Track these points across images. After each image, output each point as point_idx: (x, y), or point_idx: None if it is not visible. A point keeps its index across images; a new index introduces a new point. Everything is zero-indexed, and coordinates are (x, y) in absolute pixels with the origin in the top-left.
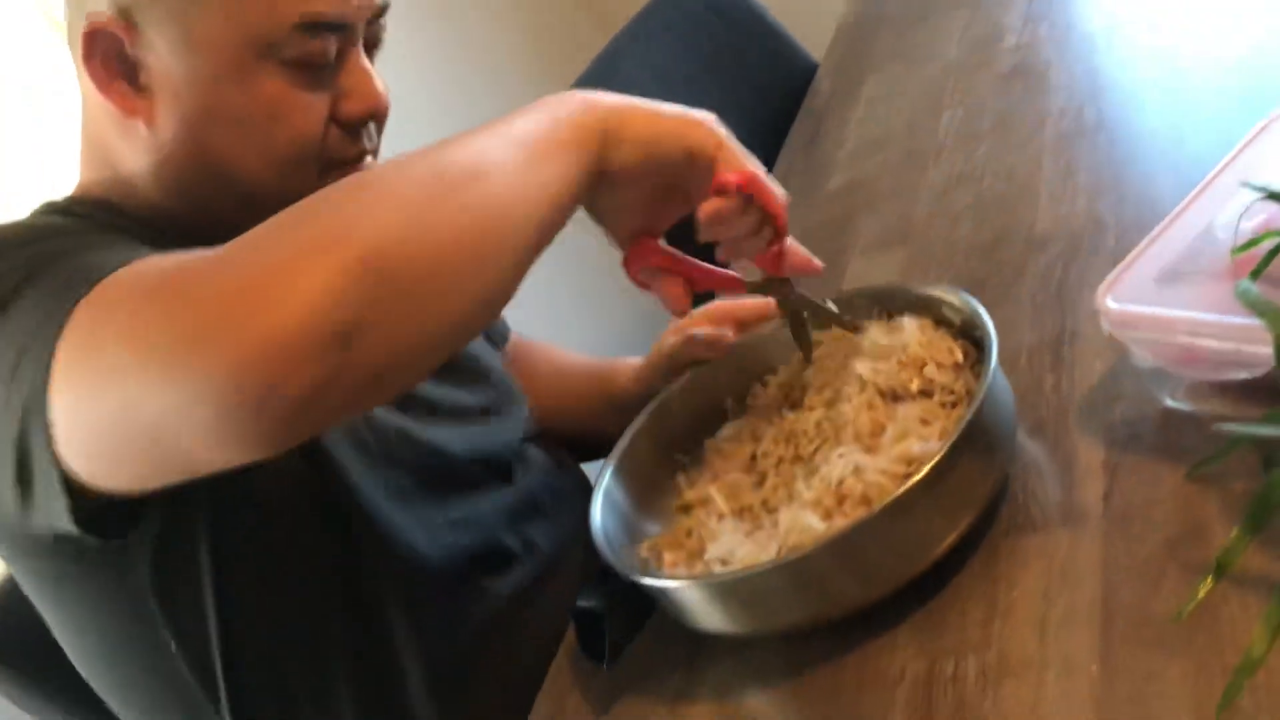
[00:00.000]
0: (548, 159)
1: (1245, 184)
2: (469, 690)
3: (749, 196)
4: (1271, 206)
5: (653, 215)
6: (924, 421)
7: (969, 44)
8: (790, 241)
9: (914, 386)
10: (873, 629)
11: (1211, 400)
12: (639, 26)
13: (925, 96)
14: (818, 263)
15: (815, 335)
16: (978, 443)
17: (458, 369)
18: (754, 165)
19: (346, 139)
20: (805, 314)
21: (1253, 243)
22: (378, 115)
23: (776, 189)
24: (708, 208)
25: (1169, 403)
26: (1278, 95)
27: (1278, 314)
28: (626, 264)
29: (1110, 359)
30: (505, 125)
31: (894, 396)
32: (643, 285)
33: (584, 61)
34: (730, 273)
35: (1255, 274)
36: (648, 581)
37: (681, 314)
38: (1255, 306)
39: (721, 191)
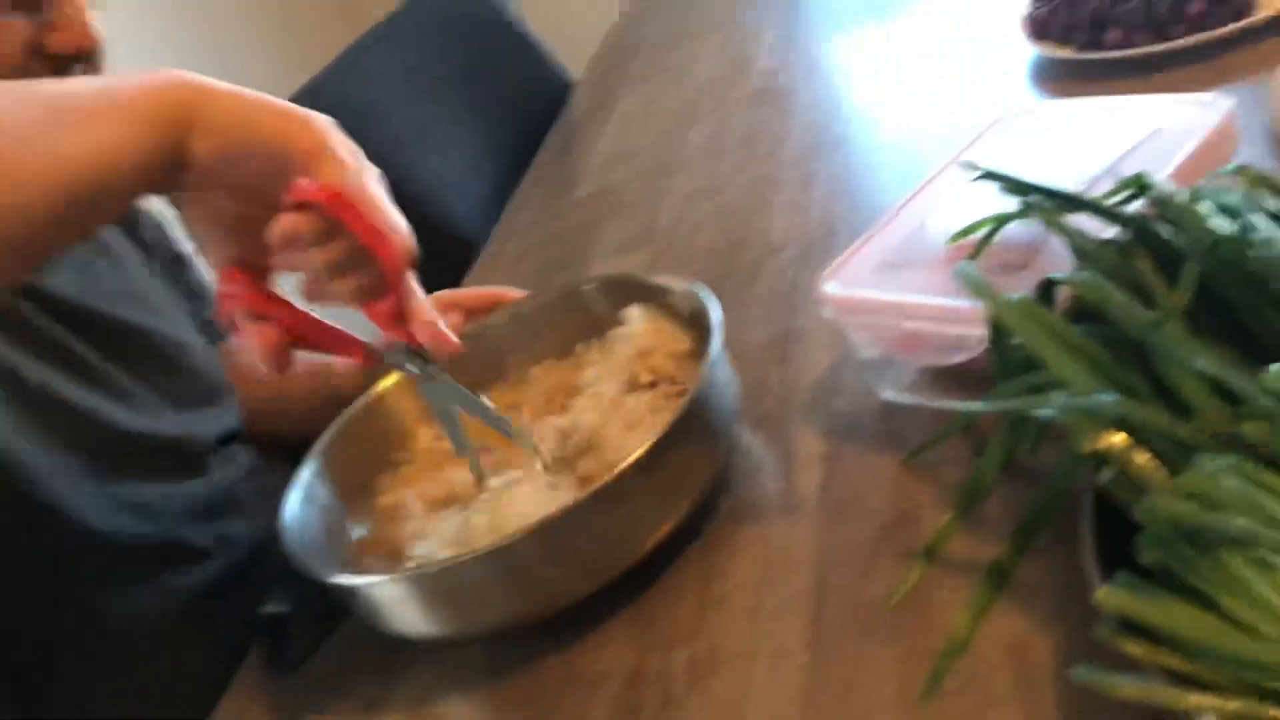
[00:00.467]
0: (92, 122)
1: (964, 163)
2: (147, 688)
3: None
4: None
5: (250, 238)
6: (652, 411)
7: (722, 66)
8: (424, 305)
9: (644, 378)
10: (583, 626)
11: (929, 391)
12: (391, 25)
13: (677, 113)
14: (454, 341)
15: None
16: (695, 430)
17: (148, 352)
18: (369, 187)
19: (50, 75)
20: (454, 406)
21: (968, 230)
22: (86, 52)
23: (396, 229)
24: (278, 223)
25: (888, 395)
26: (1000, 104)
27: (991, 291)
28: (218, 297)
29: (835, 354)
30: (56, 84)
31: (624, 390)
32: (233, 328)
33: (332, 55)
34: (350, 334)
35: (973, 257)
36: (338, 581)
37: (277, 371)
38: (971, 284)
39: (300, 205)
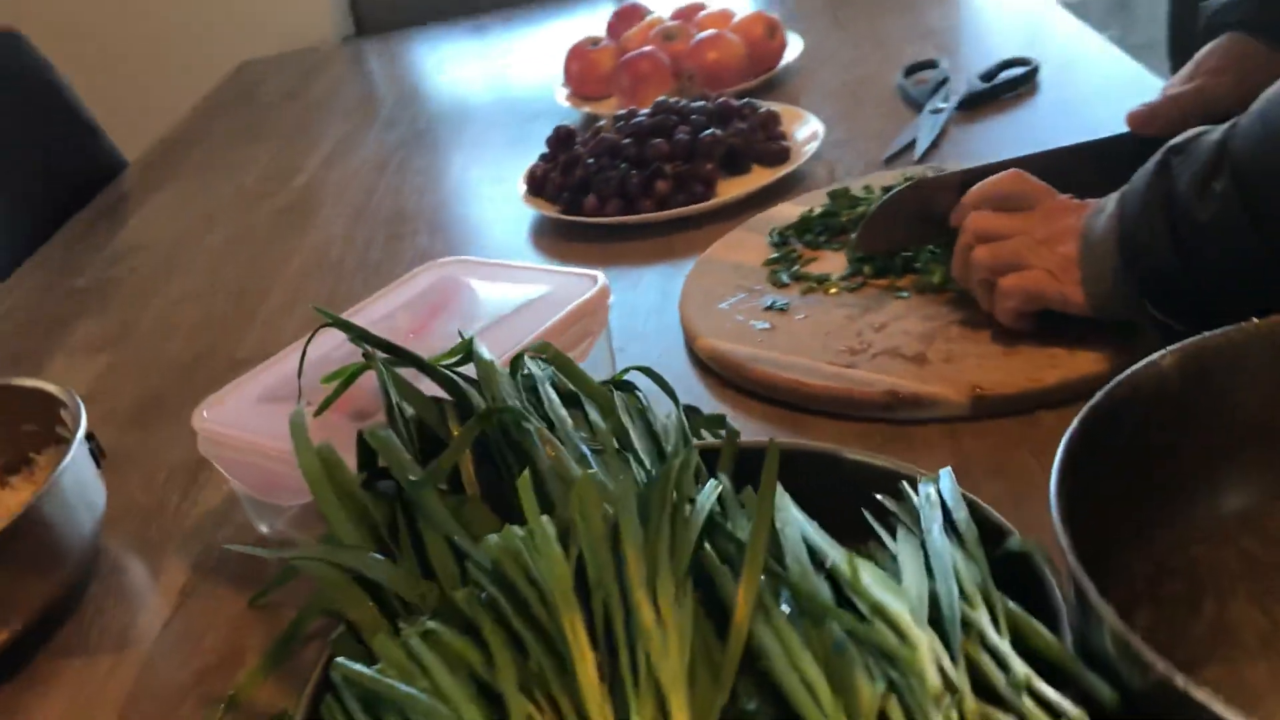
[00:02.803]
0: None
1: (316, 308)
2: None
3: None
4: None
5: None
6: None
7: (268, 174)
8: None
9: None
10: None
11: (306, 529)
12: None
13: (206, 213)
14: None
15: None
16: (29, 549)
17: None
18: None
19: None
20: None
21: (335, 375)
22: None
23: None
24: None
25: (264, 529)
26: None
27: (304, 441)
28: None
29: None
30: None
31: None
32: None
33: None
34: None
35: (325, 404)
36: None
37: None
38: (294, 431)
39: None
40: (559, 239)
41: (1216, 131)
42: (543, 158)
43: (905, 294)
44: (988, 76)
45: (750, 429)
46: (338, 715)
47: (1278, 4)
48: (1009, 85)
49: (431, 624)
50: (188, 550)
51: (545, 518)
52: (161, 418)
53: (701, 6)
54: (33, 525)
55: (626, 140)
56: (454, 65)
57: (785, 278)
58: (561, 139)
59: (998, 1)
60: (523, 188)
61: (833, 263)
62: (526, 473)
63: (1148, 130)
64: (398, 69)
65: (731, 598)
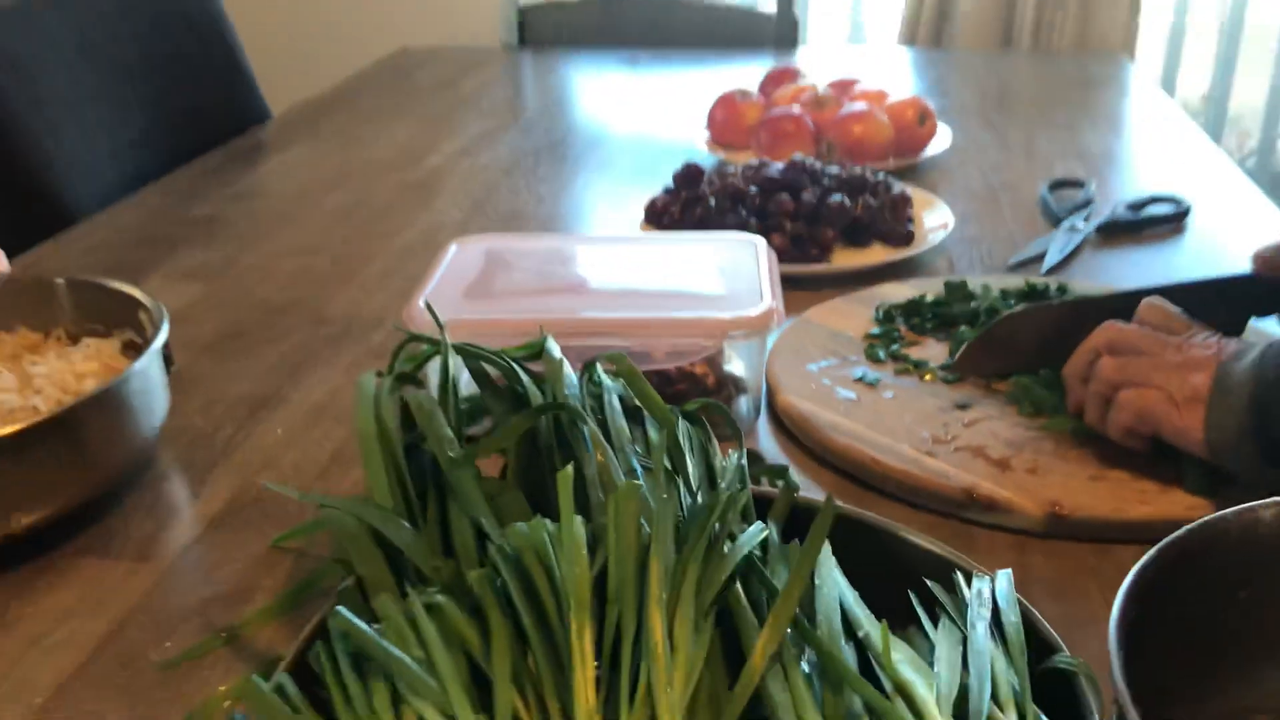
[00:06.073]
0: None
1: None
2: None
3: None
4: None
5: None
6: None
7: (401, 148)
8: None
9: None
10: None
11: None
12: None
13: (332, 174)
14: None
15: None
16: (77, 437)
17: None
18: None
19: None
20: None
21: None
22: None
23: None
24: None
25: None
26: None
27: (368, 405)
28: None
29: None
30: None
31: None
32: None
33: None
34: None
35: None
36: None
37: None
38: (359, 393)
39: None
40: None
41: None
42: (667, 190)
43: (1003, 397)
44: (1136, 207)
45: (813, 494)
46: (326, 666)
47: None
48: (1156, 220)
49: (439, 597)
50: (228, 481)
51: (578, 518)
52: (236, 351)
53: (857, 82)
54: (92, 413)
55: (753, 189)
56: (601, 89)
57: (882, 354)
58: (689, 175)
59: (1156, 137)
60: (641, 215)
61: (933, 351)
62: (569, 467)
63: (1275, 273)
64: (548, 81)
65: (751, 642)
